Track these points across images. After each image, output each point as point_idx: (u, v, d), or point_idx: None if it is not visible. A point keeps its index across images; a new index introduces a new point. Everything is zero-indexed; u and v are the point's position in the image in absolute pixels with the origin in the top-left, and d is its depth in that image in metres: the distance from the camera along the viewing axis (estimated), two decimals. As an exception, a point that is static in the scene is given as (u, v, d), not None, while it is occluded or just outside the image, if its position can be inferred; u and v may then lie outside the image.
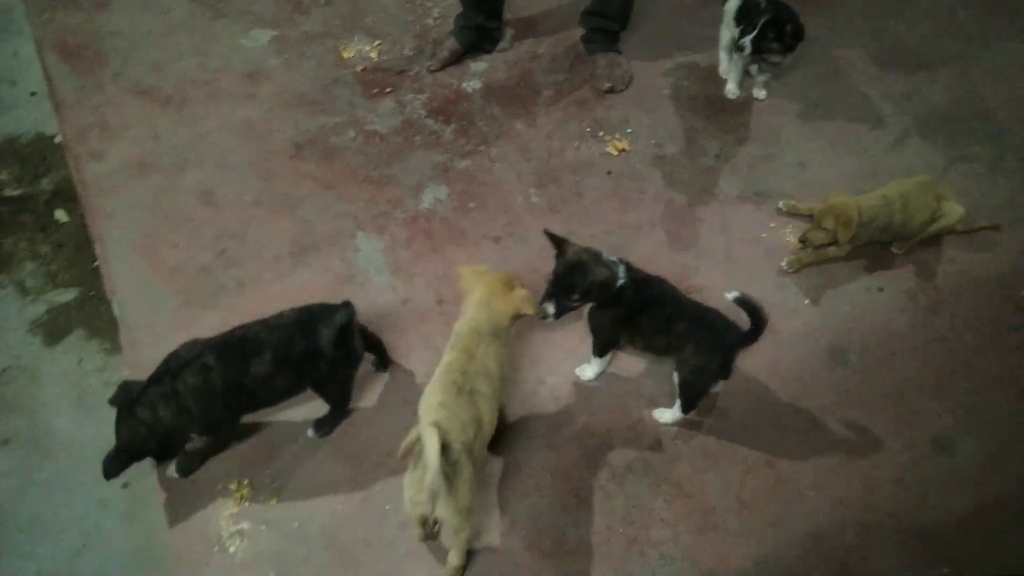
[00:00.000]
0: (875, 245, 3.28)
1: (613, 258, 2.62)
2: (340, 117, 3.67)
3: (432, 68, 3.88)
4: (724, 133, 3.72)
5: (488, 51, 3.98)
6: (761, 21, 3.47)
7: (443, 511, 2.20)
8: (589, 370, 2.91)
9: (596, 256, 2.56)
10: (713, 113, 3.79)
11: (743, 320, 2.57)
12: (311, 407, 2.82)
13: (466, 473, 2.21)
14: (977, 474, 2.81)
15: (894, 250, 3.30)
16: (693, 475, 2.75)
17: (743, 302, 2.50)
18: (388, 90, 3.80)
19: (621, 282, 2.55)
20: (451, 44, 3.89)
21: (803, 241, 3.16)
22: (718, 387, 2.88)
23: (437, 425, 2.11)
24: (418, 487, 2.16)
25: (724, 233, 3.37)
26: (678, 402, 2.75)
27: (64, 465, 2.76)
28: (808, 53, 4.06)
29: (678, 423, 2.83)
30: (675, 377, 2.70)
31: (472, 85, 3.85)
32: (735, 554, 2.61)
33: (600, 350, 2.85)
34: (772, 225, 3.40)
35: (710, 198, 3.48)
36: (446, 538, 2.37)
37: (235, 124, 3.62)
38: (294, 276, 3.11)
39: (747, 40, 3.48)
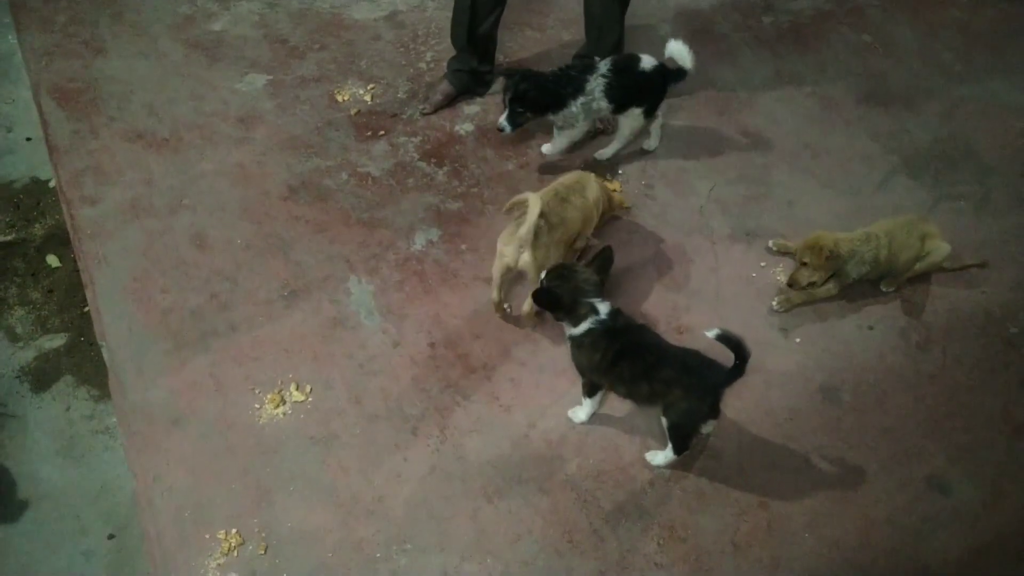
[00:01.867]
0: (864, 284, 3.30)
1: (604, 304, 2.63)
2: (333, 160, 3.70)
3: (425, 111, 3.92)
4: (714, 173, 3.75)
5: (481, 94, 4.03)
6: (507, 99, 3.39)
7: (526, 258, 2.83)
8: (581, 412, 2.90)
9: None
10: (703, 154, 3.83)
11: (725, 357, 2.55)
12: (304, 449, 2.81)
13: (548, 239, 2.87)
14: (973, 513, 2.79)
15: (883, 288, 3.32)
16: (686, 517, 2.73)
17: (725, 339, 2.48)
18: (381, 133, 3.84)
19: (600, 318, 2.62)
20: (444, 87, 3.94)
21: (791, 284, 3.19)
22: (709, 427, 2.87)
23: (540, 198, 2.81)
24: (511, 238, 2.85)
25: (715, 272, 3.38)
26: (670, 445, 2.74)
27: (49, 515, 2.72)
28: (795, 93, 4.14)
29: (671, 464, 2.82)
30: (664, 422, 2.69)
31: (465, 128, 3.89)
32: (730, 599, 2.58)
33: (587, 390, 2.85)
34: (762, 264, 3.41)
35: (701, 238, 3.51)
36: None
37: (229, 167, 3.65)
38: (285, 319, 3.12)
39: (503, 120, 3.40)
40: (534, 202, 2.78)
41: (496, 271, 2.97)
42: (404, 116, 3.91)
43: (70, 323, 3.19)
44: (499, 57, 4.10)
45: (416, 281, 3.30)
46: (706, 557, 2.65)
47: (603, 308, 2.62)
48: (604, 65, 3.44)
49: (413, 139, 3.82)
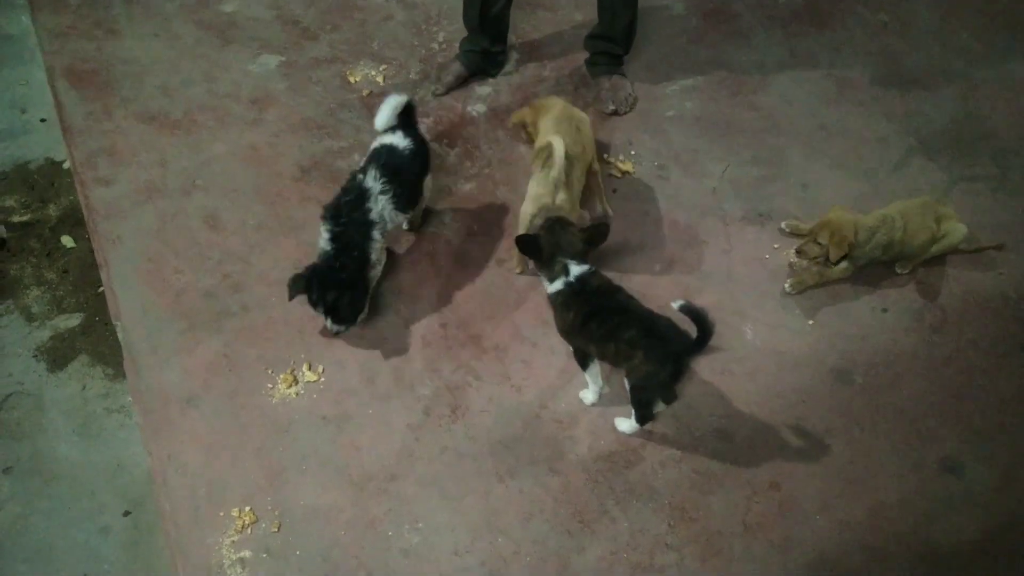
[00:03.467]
0: (879, 265, 3.27)
1: (583, 265, 2.68)
2: (345, 141, 3.70)
3: (437, 92, 3.91)
4: (728, 155, 3.72)
5: (493, 75, 4.01)
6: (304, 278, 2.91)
7: (563, 196, 2.91)
8: (589, 394, 2.91)
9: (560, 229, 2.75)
10: (717, 135, 3.80)
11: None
12: (316, 428, 2.83)
13: (575, 173, 3.01)
14: (986, 496, 2.78)
15: (898, 270, 3.29)
16: (697, 498, 2.73)
17: (688, 310, 2.51)
18: (393, 114, 3.83)
19: (569, 280, 2.67)
20: (456, 68, 3.92)
21: (799, 253, 3.17)
22: (660, 406, 2.82)
23: (561, 139, 2.92)
24: (545, 181, 2.92)
25: (727, 254, 3.37)
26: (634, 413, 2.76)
27: (66, 492, 2.76)
28: (810, 74, 4.09)
29: (637, 433, 2.84)
30: (626, 383, 2.70)
31: (477, 109, 3.87)
32: (740, 579, 2.59)
33: (579, 361, 2.86)
34: (775, 246, 3.39)
35: (713, 219, 3.48)
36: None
37: (242, 149, 3.65)
38: (298, 299, 3.12)
39: (332, 326, 2.98)
40: (558, 144, 2.90)
41: (527, 216, 2.98)
42: (416, 97, 3.90)
43: (85, 303, 3.22)
44: (511, 38, 4.07)
45: (428, 262, 3.31)
46: (716, 538, 2.66)
47: (575, 270, 2.67)
48: (373, 180, 2.95)
49: (425, 120, 3.80)
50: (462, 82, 3.94)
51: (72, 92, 3.83)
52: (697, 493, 2.75)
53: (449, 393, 2.94)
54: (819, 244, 3.08)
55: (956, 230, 3.21)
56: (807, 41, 4.25)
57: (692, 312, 2.50)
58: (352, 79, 3.96)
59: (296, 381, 2.94)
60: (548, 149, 2.96)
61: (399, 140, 3.08)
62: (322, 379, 2.96)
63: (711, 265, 3.33)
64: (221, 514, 2.65)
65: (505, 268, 3.28)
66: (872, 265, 3.24)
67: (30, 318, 3.16)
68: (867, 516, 2.72)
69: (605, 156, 3.68)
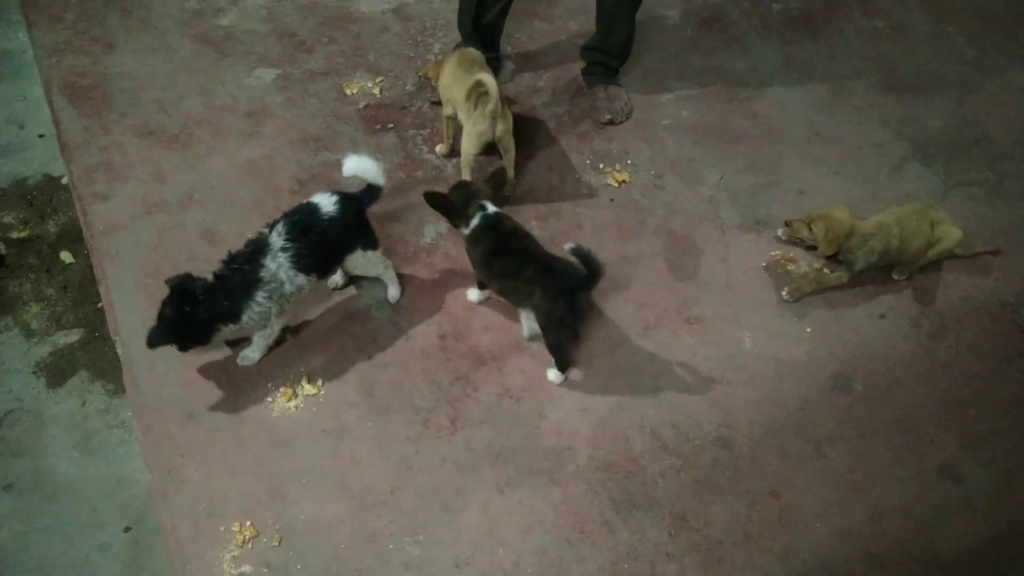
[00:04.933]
0: (876, 272, 3.28)
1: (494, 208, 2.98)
2: (342, 153, 3.67)
3: (434, 102, 3.92)
4: (724, 162, 3.74)
5: (487, 84, 4.02)
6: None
7: (502, 127, 3.25)
8: (472, 294, 3.19)
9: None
10: (713, 143, 3.82)
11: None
12: (316, 441, 2.83)
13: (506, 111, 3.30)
14: (987, 502, 2.78)
15: (895, 276, 3.30)
16: (697, 507, 2.73)
17: (578, 252, 2.74)
18: (390, 126, 3.84)
19: (485, 214, 2.94)
20: (451, 77, 3.94)
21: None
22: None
23: (490, 74, 3.16)
24: (481, 118, 3.20)
25: (725, 262, 3.37)
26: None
27: (67, 509, 2.76)
28: (806, 80, 4.11)
29: (564, 382, 3.00)
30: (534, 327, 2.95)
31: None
32: (741, 589, 2.59)
33: (478, 283, 3.16)
34: (773, 254, 3.40)
35: (710, 228, 3.49)
36: (507, 156, 3.43)
37: (239, 162, 3.66)
38: (296, 314, 3.13)
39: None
40: (488, 79, 3.13)
41: (469, 157, 3.37)
42: (412, 109, 3.92)
43: (84, 319, 3.22)
44: (507, 48, 4.09)
45: (426, 274, 3.31)
46: (717, 547, 2.66)
47: (490, 207, 2.96)
48: (277, 235, 2.79)
49: (422, 132, 3.82)
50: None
51: (69, 107, 3.85)
52: (697, 502, 2.75)
53: (448, 405, 2.95)
54: (810, 230, 3.14)
55: (951, 234, 3.22)
56: (802, 48, 4.27)
57: (582, 254, 2.74)
58: (348, 91, 3.98)
59: (296, 395, 2.94)
60: (479, 87, 3.18)
61: (327, 204, 2.87)
62: (321, 392, 2.96)
63: (709, 273, 3.34)
64: (222, 529, 2.65)
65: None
66: (869, 271, 3.25)
67: (29, 334, 3.17)
68: (868, 523, 2.72)
69: (601, 166, 3.70)
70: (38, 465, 2.84)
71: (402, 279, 3.26)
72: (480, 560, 2.61)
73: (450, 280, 3.29)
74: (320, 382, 2.98)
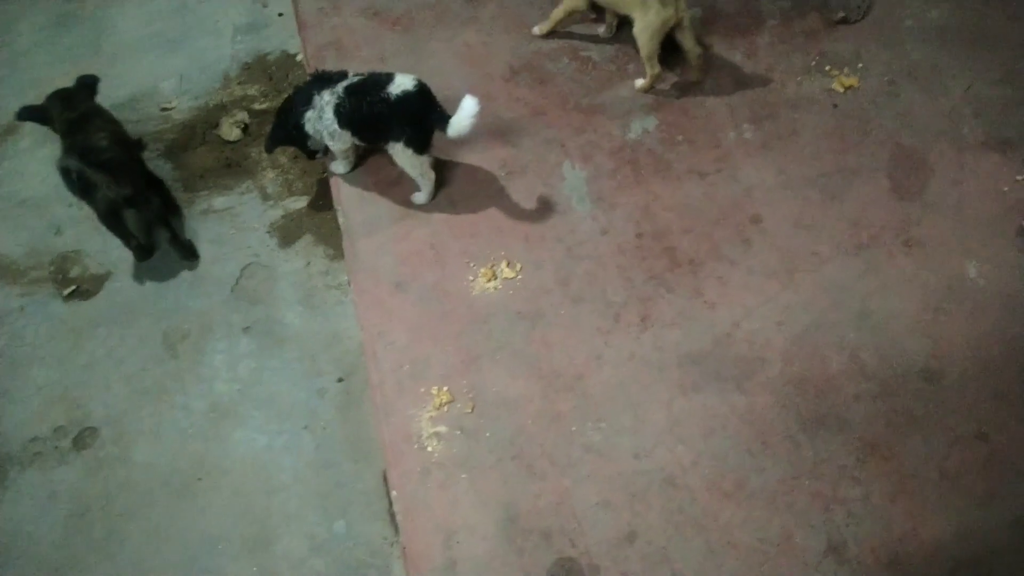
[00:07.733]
0: None
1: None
2: (556, 43, 3.68)
3: None
4: (973, 71, 3.33)
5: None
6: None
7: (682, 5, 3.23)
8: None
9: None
10: (962, 48, 3.40)
11: None
12: (511, 322, 2.97)
13: None
14: None
15: None
16: (892, 437, 2.62)
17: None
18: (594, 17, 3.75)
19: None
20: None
21: None
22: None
23: None
24: (661, 4, 3.17)
25: (958, 184, 3.07)
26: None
27: (291, 355, 3.12)
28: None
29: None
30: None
31: (692, 12, 3.69)
32: (932, 525, 2.49)
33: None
34: (1019, 178, 3.04)
35: (947, 144, 3.17)
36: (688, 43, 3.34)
37: (456, 47, 3.74)
38: (502, 199, 3.23)
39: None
40: None
41: (655, 46, 3.29)
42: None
43: (311, 187, 3.52)
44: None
45: (629, 170, 3.28)
46: (909, 479, 2.55)
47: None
48: (341, 84, 3.06)
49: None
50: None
51: (306, -13, 4.07)
52: (892, 432, 2.63)
53: (640, 303, 2.97)
54: None
55: None
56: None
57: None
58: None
59: (495, 276, 3.08)
60: None
61: (398, 84, 3.01)
62: (519, 276, 3.08)
63: (937, 195, 3.06)
64: (422, 390, 2.88)
65: (707, 182, 3.20)
66: None
67: (265, 197, 3.51)
68: (1089, 481, 2.49)
69: (827, 68, 3.42)
70: (270, 314, 3.21)
71: (604, 174, 3.26)
72: (659, 454, 2.68)
73: (653, 178, 3.24)
74: (519, 266, 3.09)
